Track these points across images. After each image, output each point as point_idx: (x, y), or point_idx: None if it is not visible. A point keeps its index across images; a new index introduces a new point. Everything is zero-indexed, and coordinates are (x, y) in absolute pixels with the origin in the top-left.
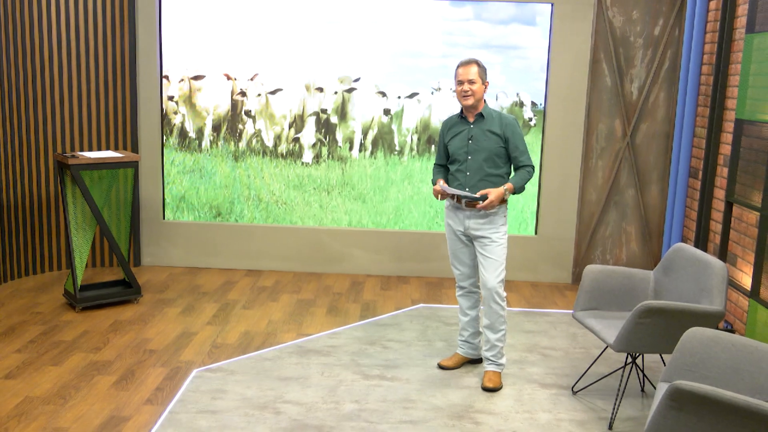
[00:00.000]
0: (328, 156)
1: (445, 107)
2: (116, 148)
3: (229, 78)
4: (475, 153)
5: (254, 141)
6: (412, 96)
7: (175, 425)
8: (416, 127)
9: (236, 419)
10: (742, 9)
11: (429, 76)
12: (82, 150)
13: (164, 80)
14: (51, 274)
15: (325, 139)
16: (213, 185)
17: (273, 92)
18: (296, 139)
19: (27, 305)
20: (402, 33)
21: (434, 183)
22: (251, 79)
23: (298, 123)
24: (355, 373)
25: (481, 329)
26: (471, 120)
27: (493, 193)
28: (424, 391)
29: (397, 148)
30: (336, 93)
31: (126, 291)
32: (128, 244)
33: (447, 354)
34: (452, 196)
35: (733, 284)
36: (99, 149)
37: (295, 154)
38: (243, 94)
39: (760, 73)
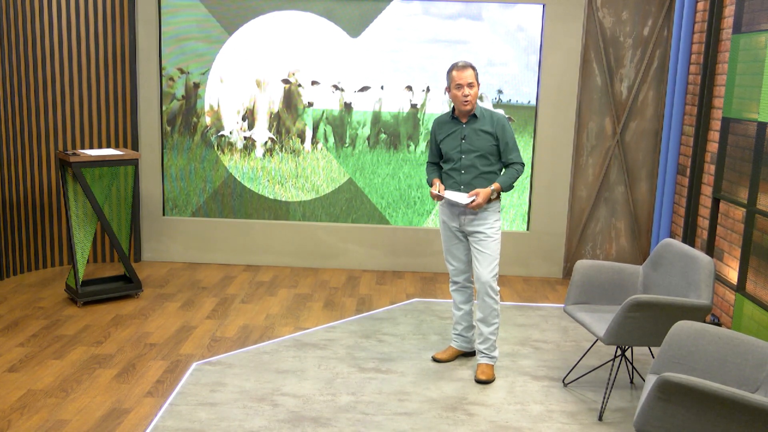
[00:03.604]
0: (281, 149)
1: (396, 101)
2: (117, 146)
3: (183, 72)
4: (468, 152)
5: (208, 134)
6: (363, 89)
7: (175, 417)
8: (367, 121)
9: (235, 411)
10: (729, 10)
11: (378, 71)
12: (83, 148)
13: None
14: (53, 269)
15: (278, 132)
16: (168, 178)
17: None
18: (249, 136)
19: (29, 300)
20: (352, 28)
21: (429, 182)
22: (203, 74)
23: (249, 118)
24: (351, 366)
25: (474, 323)
26: (464, 120)
27: (480, 195)
28: (418, 384)
29: (348, 140)
30: (293, 87)
31: (127, 286)
32: (129, 240)
33: (441, 347)
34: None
35: (719, 279)
36: (100, 147)
37: (248, 148)
38: (197, 86)
39: (747, 72)
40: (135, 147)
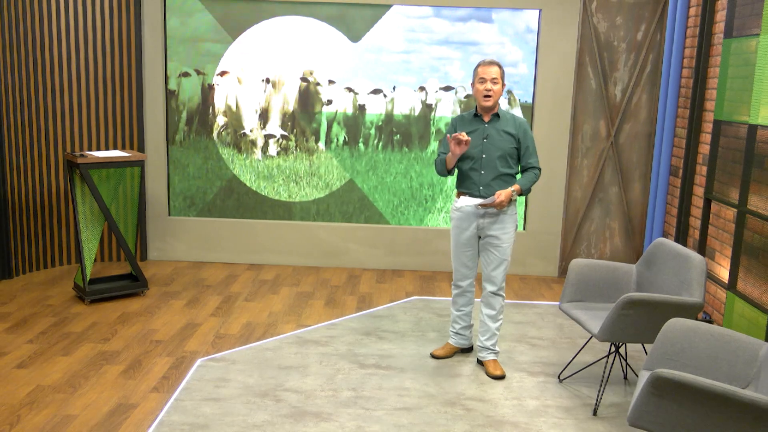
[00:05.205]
0: (296, 148)
1: (407, 101)
2: (123, 148)
3: (199, 73)
4: (489, 152)
5: (224, 134)
6: (375, 92)
7: (181, 412)
8: (379, 120)
9: (239, 406)
10: (721, 15)
11: (391, 71)
12: (90, 149)
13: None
14: (61, 268)
15: (292, 131)
16: (186, 176)
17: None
18: (266, 135)
19: (38, 298)
20: (364, 29)
21: (443, 160)
22: (220, 75)
23: (264, 117)
24: (351, 363)
25: (484, 320)
26: (486, 119)
27: (503, 194)
28: (417, 380)
29: (362, 140)
30: (311, 86)
31: (133, 284)
32: (135, 239)
33: (440, 344)
34: (466, 195)
35: (711, 277)
36: (107, 149)
37: (264, 146)
38: (211, 87)
39: (737, 76)
40: (141, 149)
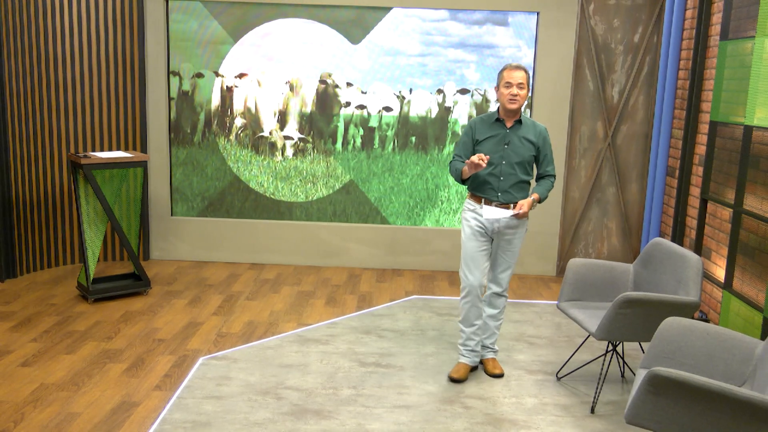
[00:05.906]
0: (313, 149)
1: (424, 104)
2: (126, 149)
3: (218, 75)
4: (509, 158)
5: (242, 135)
6: (387, 110)
7: (183, 410)
8: (396, 123)
9: (240, 404)
10: (717, 18)
11: (407, 74)
12: (94, 150)
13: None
14: (65, 267)
15: (310, 133)
16: (204, 177)
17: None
18: (286, 136)
19: (42, 297)
20: (380, 32)
21: (459, 170)
22: (238, 77)
23: (282, 119)
24: (352, 361)
25: (485, 318)
26: (509, 125)
27: (525, 204)
28: (417, 378)
29: (378, 142)
30: (330, 88)
31: (136, 283)
32: (138, 239)
33: (439, 342)
34: (481, 200)
35: (707, 276)
36: (110, 150)
37: (281, 148)
38: (230, 90)
39: (733, 77)
40: (144, 149)
